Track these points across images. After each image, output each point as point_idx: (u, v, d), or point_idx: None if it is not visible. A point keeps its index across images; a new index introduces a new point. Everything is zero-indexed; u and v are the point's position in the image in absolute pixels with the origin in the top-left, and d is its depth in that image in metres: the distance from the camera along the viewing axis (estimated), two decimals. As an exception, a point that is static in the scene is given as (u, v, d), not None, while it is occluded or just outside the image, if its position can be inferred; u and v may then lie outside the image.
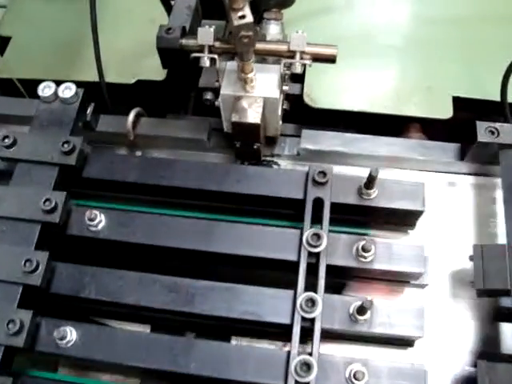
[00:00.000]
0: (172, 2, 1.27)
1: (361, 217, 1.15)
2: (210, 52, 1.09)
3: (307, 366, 0.96)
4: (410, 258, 1.06)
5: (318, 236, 1.03)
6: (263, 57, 1.13)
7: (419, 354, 1.08)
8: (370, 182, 1.07)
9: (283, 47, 1.08)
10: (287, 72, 1.12)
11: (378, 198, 1.10)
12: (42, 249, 1.06)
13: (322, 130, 1.24)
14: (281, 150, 1.26)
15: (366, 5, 1.47)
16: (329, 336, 1.04)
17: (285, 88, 1.13)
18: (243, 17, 0.94)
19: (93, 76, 1.36)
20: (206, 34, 1.09)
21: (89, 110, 1.23)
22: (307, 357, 0.96)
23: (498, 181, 1.20)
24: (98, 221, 1.09)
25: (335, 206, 1.09)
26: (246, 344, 1.13)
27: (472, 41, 1.39)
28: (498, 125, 1.14)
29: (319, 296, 1.00)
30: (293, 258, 1.05)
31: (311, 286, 1.02)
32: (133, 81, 1.40)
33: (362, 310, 0.99)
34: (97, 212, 1.09)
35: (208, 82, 1.23)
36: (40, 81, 1.21)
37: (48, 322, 1.03)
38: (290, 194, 1.10)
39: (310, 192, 1.08)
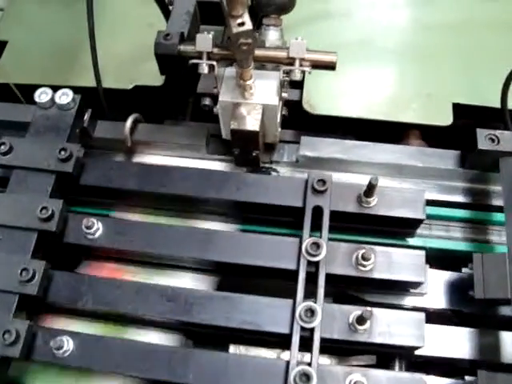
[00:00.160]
0: (170, 8, 1.26)
1: (360, 225, 1.14)
2: (209, 58, 1.08)
3: (306, 377, 0.95)
4: (410, 267, 1.05)
5: (317, 245, 1.03)
6: (262, 63, 1.12)
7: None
8: (370, 190, 1.06)
9: (282, 54, 1.07)
10: (286, 79, 1.11)
11: (377, 206, 1.09)
12: (39, 257, 1.05)
13: (321, 137, 1.23)
14: (280, 156, 1.25)
15: (365, 11, 1.47)
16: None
17: (284, 95, 1.12)
18: (242, 24, 0.93)
19: (90, 81, 1.34)
20: (205, 40, 1.08)
21: (86, 116, 1.22)
22: (306, 367, 0.96)
23: (498, 188, 1.20)
24: (96, 229, 1.08)
25: (335, 214, 1.08)
26: (244, 353, 1.12)
27: (472, 47, 1.39)
28: (498, 132, 1.14)
29: (318, 305, 0.99)
30: (292, 266, 1.04)
31: (310, 293, 1.02)
32: (130, 86, 1.39)
33: (361, 319, 0.99)
34: (94, 220, 1.08)
35: (206, 87, 1.22)
36: (37, 86, 1.19)
37: (44, 332, 1.02)
38: (289, 202, 1.10)
39: (310, 200, 1.07)
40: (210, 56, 1.08)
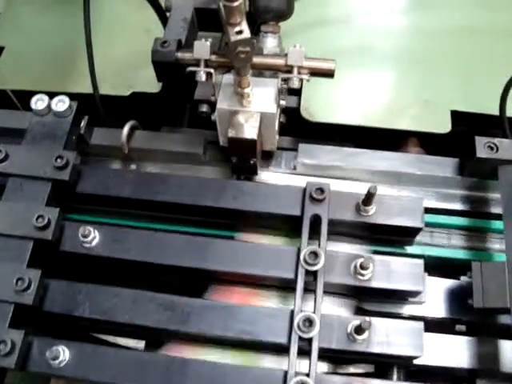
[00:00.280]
0: (167, 14, 1.25)
1: (359, 233, 1.13)
2: (206, 66, 1.08)
3: (305, 387, 0.94)
4: (409, 276, 1.05)
5: (315, 254, 1.02)
6: (260, 70, 1.12)
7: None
8: (369, 198, 1.05)
9: (280, 61, 1.07)
10: (284, 86, 1.10)
11: (376, 215, 1.08)
12: (35, 266, 1.04)
13: (319, 144, 1.23)
14: (277, 164, 1.25)
15: (363, 17, 1.46)
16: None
17: (282, 102, 1.12)
18: (240, 32, 0.92)
19: (87, 87, 1.34)
20: (202, 47, 1.08)
21: (82, 123, 1.21)
22: (305, 378, 0.95)
23: (497, 196, 1.19)
24: (92, 237, 1.07)
25: (333, 223, 1.07)
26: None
27: (470, 54, 1.38)
28: (497, 140, 1.13)
29: (317, 315, 0.99)
30: (290, 276, 1.04)
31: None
32: (128, 93, 1.39)
33: (360, 329, 0.98)
34: (91, 228, 1.07)
35: (204, 94, 1.21)
36: (34, 92, 1.19)
37: (40, 342, 1.01)
38: (287, 210, 1.09)
39: (308, 209, 1.07)
40: (207, 63, 1.08)
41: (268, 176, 1.24)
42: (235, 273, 1.06)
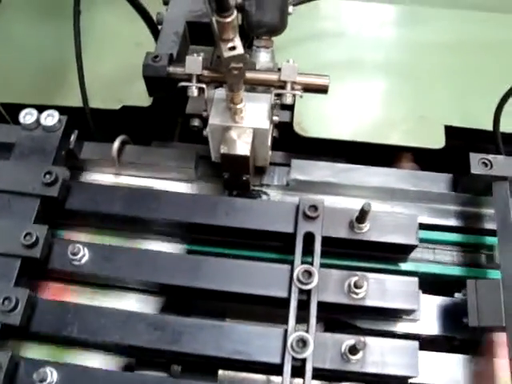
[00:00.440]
0: (159, 27, 1.24)
1: (352, 250, 1.12)
2: (198, 81, 1.06)
3: (299, 409, 0.93)
4: (403, 294, 1.03)
5: (309, 273, 1.00)
6: (253, 86, 1.11)
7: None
8: (362, 216, 1.04)
9: (274, 77, 1.06)
10: (277, 102, 1.09)
11: (369, 232, 1.07)
12: (22, 285, 1.01)
13: (312, 159, 1.22)
14: (270, 179, 1.23)
15: (356, 31, 1.46)
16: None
17: (275, 118, 1.10)
18: (233, 48, 0.91)
19: (77, 101, 1.32)
20: (194, 62, 1.06)
21: (72, 138, 1.20)
22: (299, 398, 0.93)
23: (491, 212, 1.18)
24: (82, 255, 1.05)
25: (326, 240, 1.06)
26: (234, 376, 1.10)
27: (463, 68, 1.38)
28: (491, 157, 1.13)
29: (311, 335, 0.97)
30: (283, 294, 1.02)
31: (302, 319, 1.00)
32: (118, 107, 1.37)
33: (354, 349, 0.96)
34: (80, 246, 1.05)
35: (195, 108, 1.20)
36: (23, 105, 1.17)
37: (27, 363, 0.98)
38: (280, 227, 1.07)
39: (301, 226, 1.05)
40: (199, 78, 1.06)
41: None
42: (227, 292, 1.04)
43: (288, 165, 1.22)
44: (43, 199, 1.08)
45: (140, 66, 1.12)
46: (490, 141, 1.27)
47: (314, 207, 1.06)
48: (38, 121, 1.15)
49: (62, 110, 1.17)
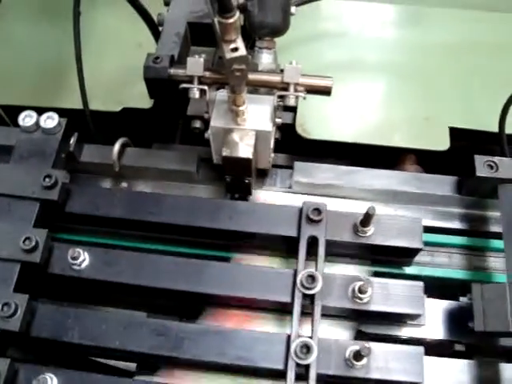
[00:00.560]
0: (160, 28, 1.23)
1: (356, 254, 1.10)
2: (200, 83, 1.05)
3: (303, 415, 0.91)
4: (408, 299, 1.02)
5: (312, 278, 0.99)
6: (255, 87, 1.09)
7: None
8: (367, 219, 1.03)
9: (277, 78, 1.04)
10: (280, 103, 1.08)
11: (374, 236, 1.06)
12: (22, 290, 1.00)
13: (315, 162, 1.20)
14: (272, 182, 1.22)
15: (359, 32, 1.44)
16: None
17: (278, 120, 1.09)
18: (236, 49, 0.90)
19: (77, 103, 1.31)
20: (196, 64, 1.05)
21: (72, 140, 1.18)
22: (303, 405, 0.92)
23: (497, 214, 1.17)
24: (82, 259, 1.04)
25: (330, 244, 1.05)
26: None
27: (468, 69, 1.37)
28: (496, 159, 1.11)
29: (314, 341, 0.96)
30: (286, 299, 1.01)
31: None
32: (118, 109, 1.35)
33: (358, 355, 0.95)
34: (80, 250, 1.03)
35: (197, 110, 1.18)
36: (22, 107, 1.15)
37: (27, 370, 0.97)
38: (283, 231, 1.06)
39: (304, 230, 1.04)
40: (201, 80, 1.05)
41: (263, 195, 1.20)
42: (230, 296, 1.02)
43: (290, 167, 1.21)
44: (43, 203, 1.07)
45: (141, 67, 1.10)
46: (494, 142, 1.25)
47: (318, 210, 1.04)
48: (37, 123, 1.14)
49: (61, 112, 1.15)
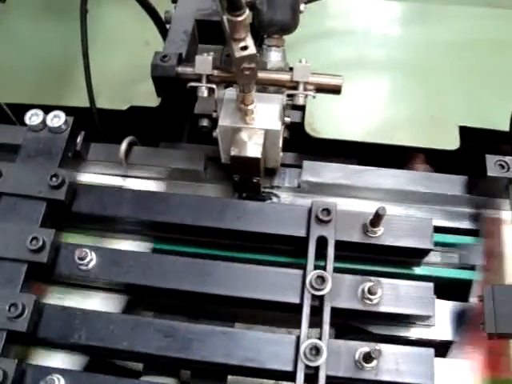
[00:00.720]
0: (167, 26, 1.21)
1: (366, 254, 1.09)
2: (208, 81, 1.04)
3: (312, 417, 0.90)
4: (418, 301, 1.01)
5: (322, 278, 0.98)
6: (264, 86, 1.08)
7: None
8: (376, 220, 1.02)
9: (286, 77, 1.03)
10: (289, 102, 1.06)
11: (384, 236, 1.05)
12: (29, 290, 0.99)
13: (324, 160, 1.19)
14: (281, 181, 1.21)
15: (365, 29, 1.43)
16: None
17: (286, 119, 1.08)
18: (245, 48, 0.88)
19: (84, 101, 1.30)
20: (204, 62, 1.03)
21: (79, 139, 1.17)
22: (312, 407, 0.91)
23: (508, 214, 1.16)
24: (89, 259, 1.03)
25: (339, 244, 1.04)
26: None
27: (477, 67, 1.35)
28: (507, 158, 1.10)
29: (324, 342, 0.95)
30: (295, 300, 1.00)
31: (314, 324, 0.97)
32: (125, 107, 1.34)
33: (368, 357, 0.94)
34: (87, 250, 1.03)
35: (204, 108, 1.17)
36: (29, 106, 1.14)
37: (34, 371, 0.96)
38: (292, 231, 1.05)
39: (314, 230, 1.03)
40: (209, 79, 1.04)
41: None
42: (237, 297, 1.01)
43: (299, 166, 1.19)
44: (50, 202, 1.06)
45: (148, 65, 1.09)
46: (505, 141, 1.24)
47: (327, 210, 1.03)
48: (44, 122, 1.13)
49: (68, 110, 1.14)
